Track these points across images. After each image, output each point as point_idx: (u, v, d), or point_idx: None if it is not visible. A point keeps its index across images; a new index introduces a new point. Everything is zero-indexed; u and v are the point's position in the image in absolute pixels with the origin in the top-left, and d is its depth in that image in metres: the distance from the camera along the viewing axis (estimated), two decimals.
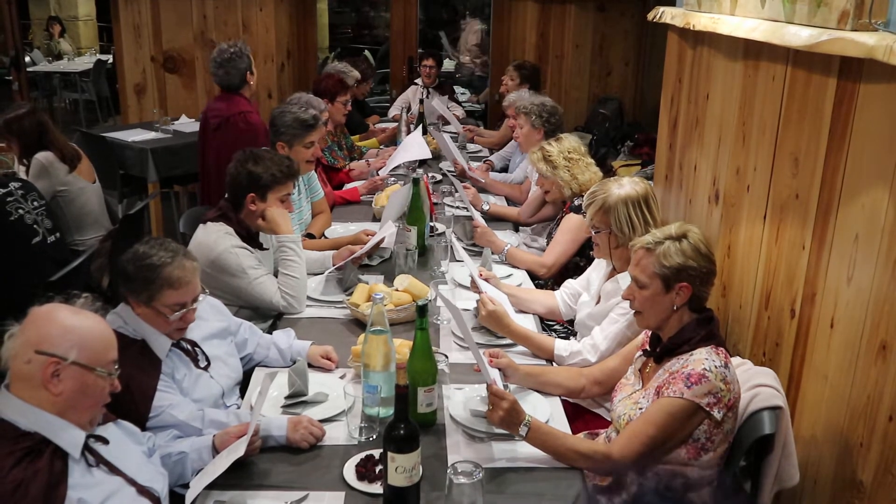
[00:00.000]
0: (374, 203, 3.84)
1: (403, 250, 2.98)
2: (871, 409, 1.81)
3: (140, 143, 5.27)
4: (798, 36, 2.01)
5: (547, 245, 3.37)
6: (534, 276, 3.18)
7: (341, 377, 2.31)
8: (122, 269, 2.04)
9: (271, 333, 2.49)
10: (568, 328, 2.91)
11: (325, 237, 3.48)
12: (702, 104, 3.04)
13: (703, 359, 1.90)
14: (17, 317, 1.66)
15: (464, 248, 2.98)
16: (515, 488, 1.84)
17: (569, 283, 2.85)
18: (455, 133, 5.32)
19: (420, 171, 3.93)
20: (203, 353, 2.17)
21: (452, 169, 4.37)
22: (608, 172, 5.54)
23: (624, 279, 2.35)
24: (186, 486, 1.76)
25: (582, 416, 2.45)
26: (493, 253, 3.19)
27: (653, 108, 5.04)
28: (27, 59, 8.83)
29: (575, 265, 3.16)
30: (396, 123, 5.28)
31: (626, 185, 2.55)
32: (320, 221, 3.59)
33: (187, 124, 5.79)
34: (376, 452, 1.88)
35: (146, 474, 1.77)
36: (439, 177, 4.42)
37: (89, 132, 5.54)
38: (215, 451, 1.88)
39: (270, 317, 2.78)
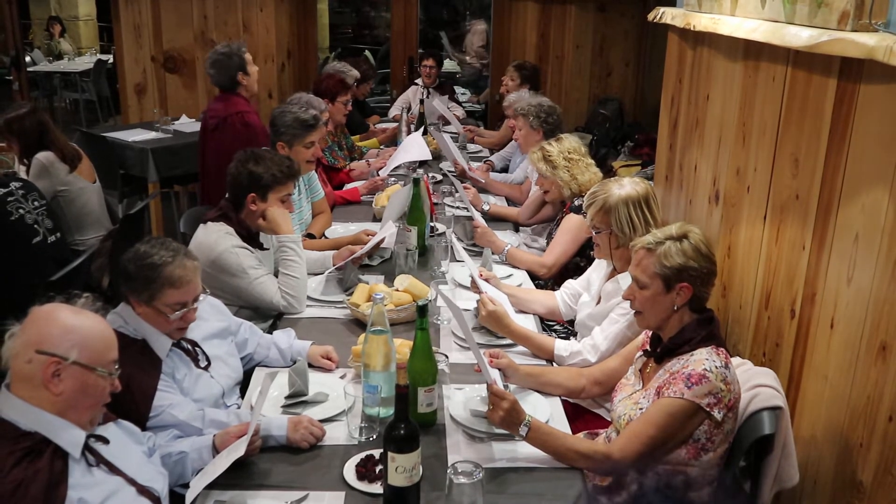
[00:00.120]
0: (374, 203, 3.85)
1: (404, 250, 2.98)
2: (871, 410, 1.81)
3: (140, 143, 5.27)
4: (798, 37, 2.01)
5: (547, 245, 3.37)
6: (534, 277, 3.18)
7: (341, 377, 2.32)
8: (123, 268, 2.04)
9: (271, 333, 2.49)
10: (568, 328, 2.91)
11: (326, 237, 3.48)
12: (702, 105, 3.05)
13: (703, 359, 1.90)
14: (18, 316, 1.66)
15: (464, 249, 2.98)
16: (515, 488, 1.84)
17: (569, 284, 2.86)
18: (455, 133, 5.33)
19: (420, 171, 3.93)
20: (203, 352, 2.17)
21: (453, 169, 4.37)
22: (608, 173, 5.55)
23: (624, 279, 2.35)
24: (186, 485, 1.76)
25: (582, 416, 2.45)
26: (493, 253, 3.20)
27: (653, 108, 5.04)
28: (27, 58, 8.84)
29: (575, 265, 3.16)
30: (397, 124, 5.29)
31: (627, 185, 2.55)
32: (321, 221, 3.59)
33: (187, 124, 5.79)
34: (376, 452, 1.89)
35: (146, 474, 1.77)
36: (440, 177, 4.42)
37: (90, 132, 5.54)
38: (215, 450, 1.89)
39: (271, 317, 2.78)
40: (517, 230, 3.81)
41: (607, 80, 7.25)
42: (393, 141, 5.12)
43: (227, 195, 2.78)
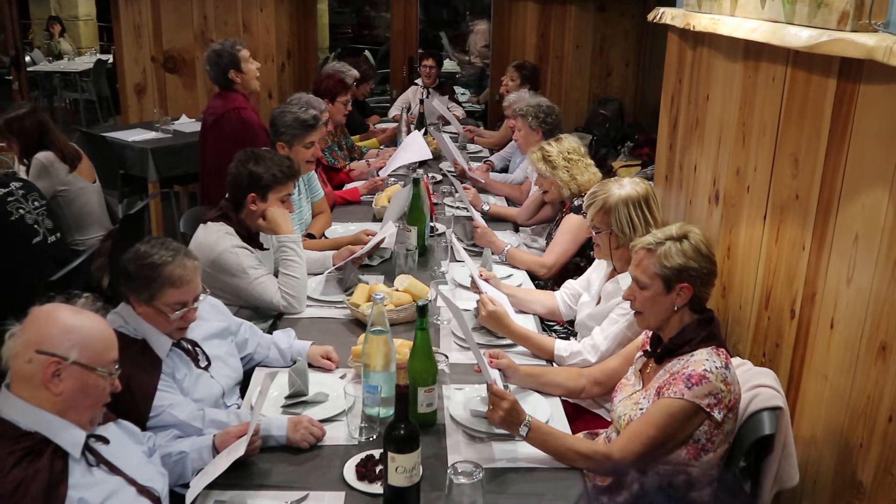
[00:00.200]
0: (374, 203, 3.85)
1: (404, 250, 2.98)
2: (871, 410, 1.81)
3: (140, 142, 5.27)
4: (798, 37, 2.01)
5: (547, 246, 3.37)
6: (534, 277, 3.19)
7: (341, 377, 2.32)
8: (124, 268, 2.04)
9: (271, 333, 2.49)
10: (568, 329, 2.91)
11: (326, 237, 3.48)
12: (702, 105, 3.05)
13: (703, 360, 1.90)
14: (18, 316, 1.66)
15: (464, 249, 2.98)
16: (516, 488, 1.84)
17: (569, 284, 2.86)
18: (455, 133, 5.32)
19: (420, 171, 3.93)
20: (203, 352, 2.17)
21: (452, 169, 4.38)
22: (608, 173, 5.55)
23: (624, 280, 2.35)
24: (186, 485, 1.76)
25: (582, 416, 2.45)
26: (493, 253, 3.20)
27: (653, 108, 5.04)
28: (27, 58, 8.84)
29: (575, 265, 3.16)
30: (396, 124, 5.29)
31: (627, 185, 2.55)
32: (320, 221, 3.59)
33: (187, 124, 5.80)
34: (376, 452, 1.89)
35: (146, 474, 1.77)
36: (439, 177, 4.42)
37: (89, 132, 5.54)
38: (215, 450, 1.89)
39: (271, 317, 2.78)
40: (517, 230, 3.81)
41: (607, 81, 7.25)
42: (393, 141, 5.12)
43: (227, 195, 2.78)
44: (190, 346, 2.15)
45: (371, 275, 3.05)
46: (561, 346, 2.47)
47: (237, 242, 2.68)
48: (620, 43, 7.14)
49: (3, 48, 9.49)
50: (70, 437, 1.64)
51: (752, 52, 2.51)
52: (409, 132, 4.71)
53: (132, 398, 1.92)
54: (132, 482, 1.72)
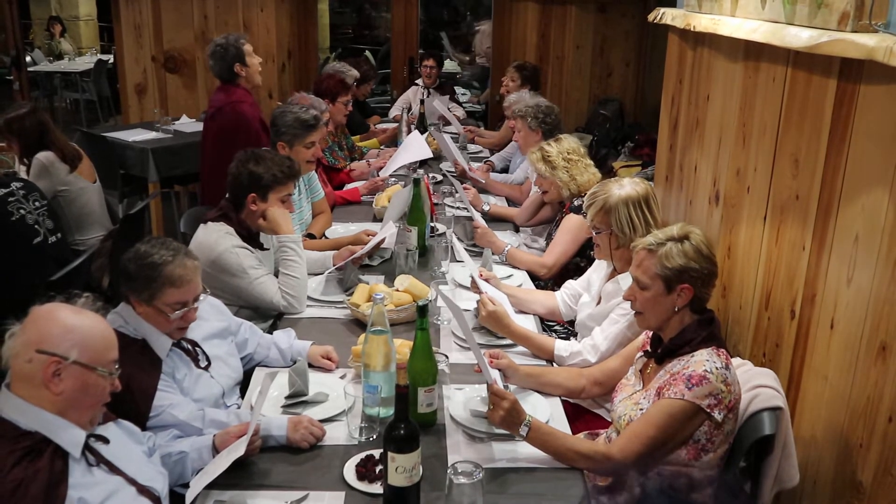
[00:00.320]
0: (374, 203, 3.85)
1: (404, 251, 2.98)
2: (871, 410, 1.81)
3: (141, 142, 5.27)
4: (798, 37, 2.01)
5: (547, 246, 3.37)
6: (534, 277, 3.19)
7: (341, 377, 2.32)
8: (124, 268, 2.04)
9: (272, 333, 2.49)
10: (568, 329, 2.91)
11: (326, 237, 3.48)
12: (702, 105, 3.05)
13: (703, 360, 1.90)
14: (19, 316, 1.66)
15: (464, 249, 2.98)
16: (516, 489, 1.84)
17: (569, 284, 2.86)
18: (455, 134, 5.33)
19: (421, 171, 3.93)
20: (203, 352, 2.18)
21: (453, 169, 4.38)
22: (609, 173, 5.55)
23: (624, 280, 2.35)
24: (186, 485, 1.76)
25: (582, 416, 2.45)
26: (493, 253, 3.20)
27: (653, 109, 5.04)
28: (28, 58, 8.84)
29: (575, 266, 3.16)
30: (397, 124, 5.29)
31: (627, 185, 2.56)
32: (321, 221, 3.59)
33: (188, 124, 5.80)
34: (376, 452, 1.89)
35: (146, 474, 1.77)
36: (440, 177, 4.42)
37: (90, 132, 5.54)
38: (215, 450, 1.89)
39: (271, 317, 2.78)
40: (517, 230, 3.81)
41: (607, 81, 7.25)
42: (393, 141, 5.12)
43: (227, 195, 2.78)
44: (190, 346, 2.15)
45: (371, 275, 3.05)
46: (561, 347, 2.47)
47: (237, 242, 2.68)
48: (621, 43, 7.14)
49: (4, 48, 9.50)
50: (70, 436, 1.64)
51: (753, 52, 2.51)
52: (409, 132, 4.71)
53: (132, 398, 1.92)
54: (132, 482, 1.72)
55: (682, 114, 3.34)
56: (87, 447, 1.67)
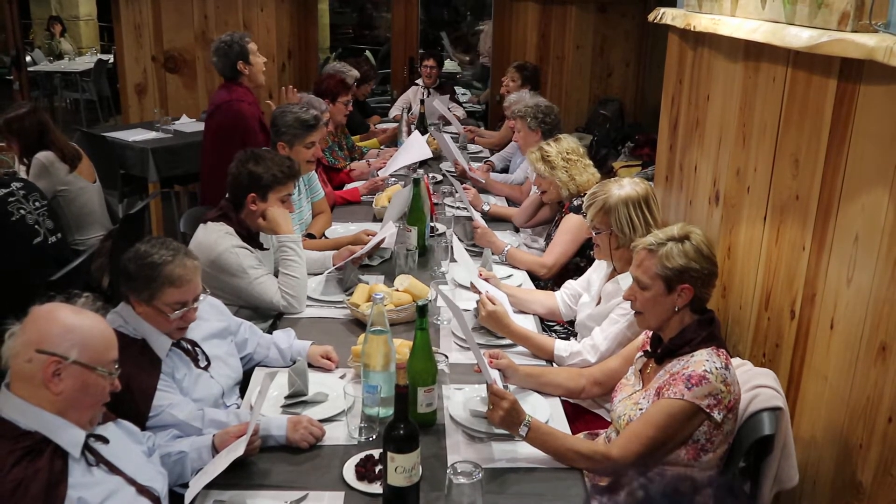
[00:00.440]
0: (374, 203, 3.85)
1: (404, 250, 2.98)
2: (871, 410, 1.81)
3: (141, 142, 5.27)
4: (798, 37, 2.01)
5: (546, 246, 3.37)
6: (534, 277, 3.19)
7: (341, 377, 2.32)
8: (124, 267, 2.04)
9: (271, 333, 2.49)
10: (568, 329, 2.91)
11: (326, 237, 3.48)
12: (702, 105, 3.05)
13: (703, 360, 1.90)
14: (19, 316, 1.66)
15: (464, 249, 2.98)
16: (515, 489, 1.84)
17: (569, 284, 2.86)
18: (456, 134, 5.33)
19: (421, 171, 3.93)
20: (203, 352, 2.17)
21: (453, 169, 4.38)
22: (609, 173, 5.55)
23: (624, 280, 2.35)
24: (186, 485, 1.76)
25: (582, 416, 2.45)
26: (493, 253, 3.20)
27: (653, 109, 5.04)
28: (28, 58, 8.83)
29: (575, 266, 3.16)
30: (397, 124, 5.29)
31: (627, 185, 2.55)
32: (321, 221, 3.59)
33: (188, 124, 5.80)
34: (376, 452, 1.89)
35: (146, 474, 1.77)
36: (440, 177, 4.42)
37: (90, 132, 5.54)
38: (215, 450, 1.89)
39: (270, 317, 2.78)
40: (517, 230, 3.81)
41: (608, 81, 7.25)
42: (393, 141, 5.12)
43: (227, 195, 2.78)
44: (190, 346, 2.15)
45: (371, 275, 3.05)
46: (561, 347, 2.47)
47: (237, 242, 2.68)
48: (621, 43, 7.14)
49: (4, 48, 9.50)
50: (70, 436, 1.64)
51: (753, 52, 2.51)
52: (409, 132, 4.71)
53: (132, 398, 1.92)
54: (132, 482, 1.72)
55: (682, 114, 3.34)
56: (86, 447, 1.67)
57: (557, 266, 3.16)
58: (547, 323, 2.93)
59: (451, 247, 2.99)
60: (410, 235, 3.11)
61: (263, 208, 2.72)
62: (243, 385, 2.32)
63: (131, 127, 5.93)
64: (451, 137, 4.70)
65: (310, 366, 2.30)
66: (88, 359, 1.64)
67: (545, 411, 2.14)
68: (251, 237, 2.78)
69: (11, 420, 1.61)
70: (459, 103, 6.80)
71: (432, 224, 3.44)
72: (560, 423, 2.11)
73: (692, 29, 3.02)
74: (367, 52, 9.40)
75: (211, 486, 1.74)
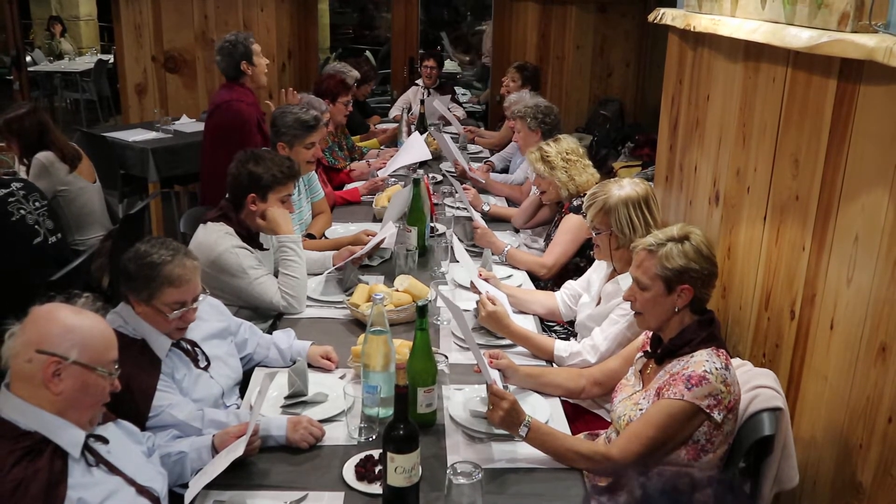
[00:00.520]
0: (374, 203, 3.85)
1: (404, 251, 2.98)
2: (871, 411, 1.81)
3: (141, 142, 5.27)
4: (798, 37, 2.01)
5: (546, 247, 3.37)
6: (534, 278, 3.19)
7: (341, 377, 2.32)
8: (124, 267, 2.04)
9: (271, 333, 2.49)
10: (568, 329, 2.91)
11: (326, 237, 3.48)
12: (702, 105, 3.05)
13: (703, 360, 1.90)
14: (19, 316, 1.66)
15: (464, 249, 2.98)
16: (515, 489, 1.84)
17: (569, 284, 2.86)
18: (456, 134, 5.33)
19: (420, 171, 3.93)
20: (203, 353, 2.17)
21: (453, 170, 4.38)
22: (609, 174, 5.55)
23: (624, 280, 2.35)
24: (186, 485, 1.76)
25: (582, 416, 2.45)
26: (493, 254, 3.20)
27: (653, 109, 5.04)
28: (28, 58, 8.83)
29: (575, 266, 3.16)
30: (397, 124, 5.29)
31: (627, 186, 2.55)
32: (320, 222, 3.59)
33: (188, 124, 5.80)
34: (376, 453, 1.89)
35: (146, 474, 1.77)
36: (440, 177, 4.42)
37: (90, 132, 5.54)
38: (215, 450, 1.89)
39: (270, 317, 2.78)
40: (517, 231, 3.81)
41: (608, 81, 7.25)
42: (393, 141, 5.12)
43: (227, 195, 2.78)
44: (189, 347, 2.15)
45: (371, 275, 3.05)
46: (561, 347, 2.47)
47: (237, 243, 2.68)
48: (621, 43, 7.14)
49: (4, 48, 9.50)
50: (69, 436, 1.64)
51: (753, 52, 2.51)
52: (409, 133, 4.71)
53: (132, 398, 1.92)
54: (131, 482, 1.72)
55: (682, 114, 3.34)
56: (86, 447, 1.67)
57: (557, 266, 3.16)
58: (547, 323, 2.93)
59: (451, 247, 2.99)
60: (410, 236, 3.11)
61: (263, 208, 2.72)
62: (243, 385, 2.32)
63: (131, 127, 5.94)
64: (451, 138, 4.70)
65: (310, 366, 2.30)
66: (88, 359, 1.64)
67: (545, 412, 2.14)
68: (251, 237, 2.78)
69: (11, 420, 1.61)
70: (459, 103, 6.80)
71: (432, 224, 3.44)
72: (560, 424, 2.11)
73: (692, 29, 3.02)
74: (368, 53, 9.41)
75: (210, 486, 1.73)
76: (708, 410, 1.86)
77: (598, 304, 2.63)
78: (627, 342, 2.36)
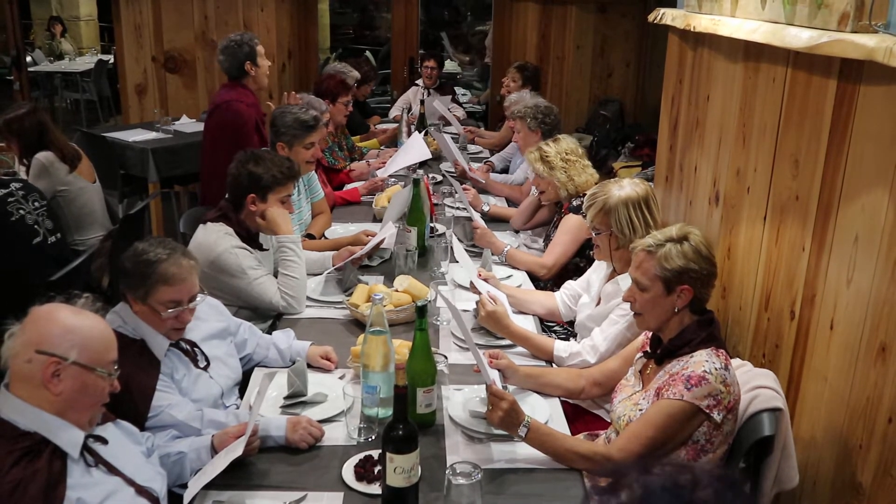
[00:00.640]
0: (374, 204, 3.85)
1: (403, 251, 2.98)
2: (871, 411, 1.81)
3: (141, 143, 5.27)
4: (798, 38, 2.01)
5: (545, 247, 3.37)
6: (534, 278, 3.18)
7: (340, 377, 2.31)
8: (122, 266, 2.04)
9: (271, 334, 2.49)
10: (568, 329, 2.91)
11: (325, 238, 3.48)
12: (702, 105, 3.04)
13: (703, 361, 1.90)
14: (19, 316, 1.66)
15: (464, 249, 2.98)
16: (514, 489, 1.84)
17: (569, 285, 2.85)
18: (456, 134, 5.33)
19: (420, 171, 3.93)
20: (202, 353, 2.17)
21: (453, 170, 4.38)
22: (609, 174, 5.55)
23: (624, 281, 2.35)
24: (185, 486, 1.77)
25: (582, 416, 2.45)
26: (492, 254, 3.20)
27: (653, 109, 5.04)
28: (28, 58, 8.84)
29: (575, 266, 3.16)
30: (397, 124, 5.29)
31: (627, 186, 2.55)
32: (320, 222, 3.59)
33: (188, 124, 5.80)
34: (375, 453, 1.89)
35: (145, 474, 1.77)
36: (440, 177, 4.42)
37: (90, 132, 5.54)
38: (214, 451, 1.89)
39: (270, 317, 2.78)
40: (517, 231, 3.81)
41: (608, 81, 7.24)
42: (393, 142, 5.12)
43: (226, 195, 2.78)
44: (189, 347, 2.15)
45: (371, 275, 3.05)
46: (560, 347, 2.47)
47: (237, 243, 2.68)
48: (621, 44, 7.14)
49: (5, 48, 9.50)
50: (69, 437, 1.64)
51: (753, 52, 2.51)
52: (409, 133, 4.71)
53: (131, 398, 1.92)
54: (131, 482, 1.72)
55: (682, 114, 3.34)
56: (85, 448, 1.67)
57: (557, 266, 3.16)
58: (546, 323, 2.93)
59: (451, 247, 2.99)
60: (410, 236, 3.11)
61: (263, 209, 2.72)
62: (242, 385, 2.32)
63: (131, 127, 5.94)
64: (451, 138, 4.70)
65: (309, 366, 2.30)
66: (88, 359, 1.64)
67: (544, 412, 2.14)
68: (251, 238, 2.77)
69: (10, 420, 1.61)
70: (459, 104, 6.80)
71: (432, 224, 3.44)
72: (559, 424, 2.11)
73: (692, 29, 3.01)
74: (368, 53, 9.41)
75: (210, 486, 1.73)
76: (707, 411, 1.86)
77: (598, 304, 2.63)
78: (627, 342, 2.36)
